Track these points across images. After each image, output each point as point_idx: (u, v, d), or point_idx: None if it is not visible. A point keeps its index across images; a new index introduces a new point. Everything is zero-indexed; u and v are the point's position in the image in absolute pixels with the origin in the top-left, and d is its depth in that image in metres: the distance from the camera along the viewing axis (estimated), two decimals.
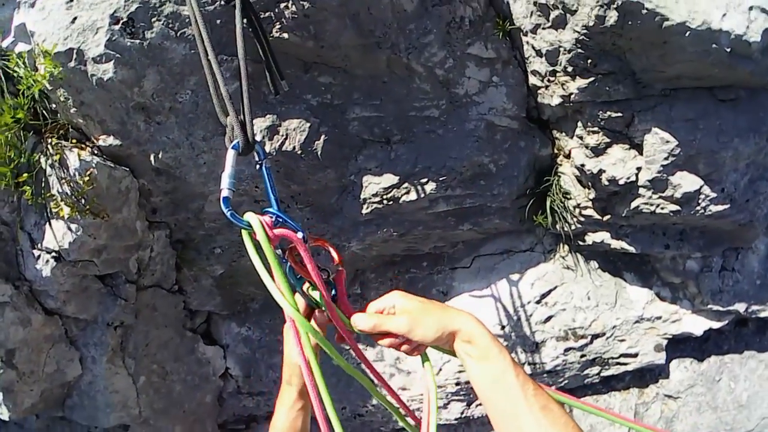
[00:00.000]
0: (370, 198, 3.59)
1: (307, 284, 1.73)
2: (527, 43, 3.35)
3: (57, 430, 3.92)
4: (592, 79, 3.18)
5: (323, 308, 1.73)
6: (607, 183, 3.53)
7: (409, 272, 4.42)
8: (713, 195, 3.41)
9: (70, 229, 3.15)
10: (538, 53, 3.31)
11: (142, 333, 3.83)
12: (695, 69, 2.99)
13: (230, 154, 1.71)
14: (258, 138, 1.91)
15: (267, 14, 2.84)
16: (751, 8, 2.74)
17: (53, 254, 3.23)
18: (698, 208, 3.47)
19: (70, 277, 3.32)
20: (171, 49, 2.87)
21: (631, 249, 3.95)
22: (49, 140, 3.08)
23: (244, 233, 1.56)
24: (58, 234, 3.17)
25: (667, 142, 3.25)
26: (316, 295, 1.71)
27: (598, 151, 3.50)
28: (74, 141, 3.16)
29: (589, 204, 3.79)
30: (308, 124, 3.23)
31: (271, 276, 1.55)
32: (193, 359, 4.23)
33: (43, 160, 3.06)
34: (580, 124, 3.48)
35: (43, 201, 3.09)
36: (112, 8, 2.75)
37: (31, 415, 3.73)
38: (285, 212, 1.66)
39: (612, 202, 3.70)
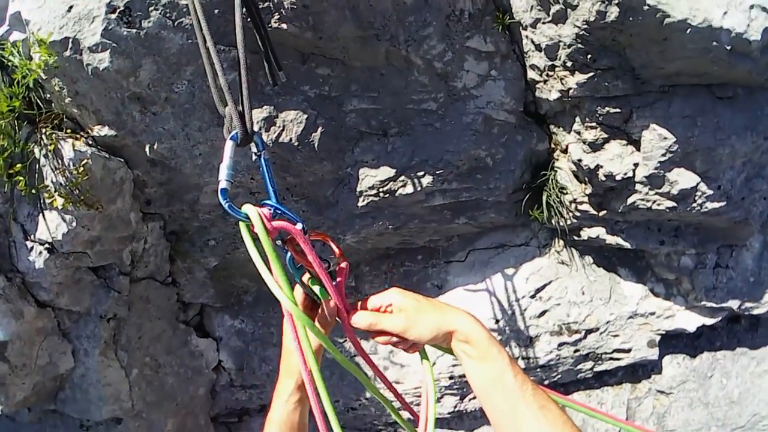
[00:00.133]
0: (366, 191, 3.58)
1: (307, 275, 1.71)
2: (526, 37, 3.34)
3: (49, 424, 3.90)
4: (591, 74, 3.18)
5: (322, 299, 1.71)
6: (603, 178, 3.53)
7: (404, 265, 4.41)
8: (710, 192, 3.42)
9: (63, 220, 3.13)
10: (538, 48, 3.30)
11: (135, 325, 3.81)
12: (695, 66, 2.99)
13: (228, 145, 1.69)
14: (255, 129, 1.89)
15: (266, 4, 2.82)
16: (751, 7, 2.75)
17: (46, 246, 3.20)
18: (694, 205, 3.48)
19: (63, 269, 3.29)
20: (168, 38, 2.84)
21: (626, 245, 3.96)
22: (44, 130, 3.05)
23: (242, 225, 1.54)
24: (51, 225, 3.14)
25: (665, 138, 3.25)
26: (316, 289, 1.70)
27: (595, 147, 3.50)
28: (69, 131, 3.13)
29: (585, 199, 3.79)
30: (305, 116, 3.21)
31: (269, 269, 1.53)
32: (186, 352, 4.21)
33: (37, 150, 3.03)
34: (578, 119, 3.48)
35: (37, 192, 3.07)
36: None
37: (23, 409, 3.70)
38: (283, 204, 1.64)
39: (608, 197, 3.70)
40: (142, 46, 2.83)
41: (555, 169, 3.85)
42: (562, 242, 4.28)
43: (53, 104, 3.15)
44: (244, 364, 4.51)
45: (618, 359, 4.47)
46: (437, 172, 3.57)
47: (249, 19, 2.56)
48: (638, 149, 3.38)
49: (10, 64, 2.93)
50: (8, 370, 3.29)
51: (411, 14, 3.10)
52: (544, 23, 3.18)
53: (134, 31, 2.78)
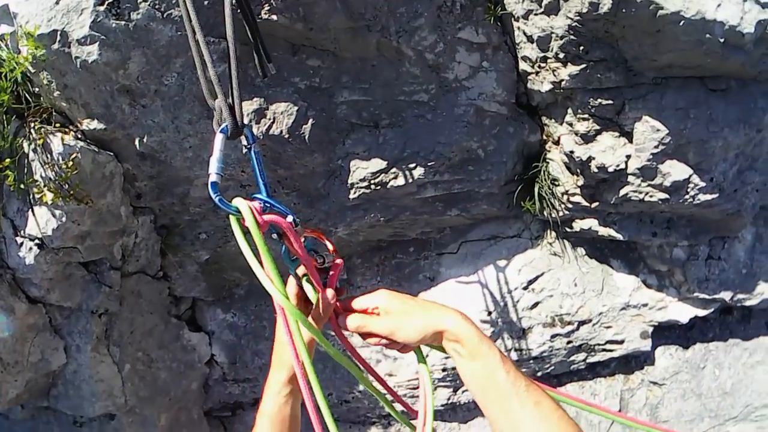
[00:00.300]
0: (357, 183, 3.57)
1: (302, 269, 1.70)
2: (518, 28, 3.33)
3: (42, 421, 3.88)
4: (583, 66, 3.17)
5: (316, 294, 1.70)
6: (596, 170, 3.53)
7: (396, 258, 4.41)
8: (702, 184, 3.42)
9: (53, 215, 3.11)
10: (530, 39, 3.29)
11: (126, 320, 3.79)
12: (688, 58, 2.99)
13: (218, 138, 1.67)
14: (246, 121, 1.88)
15: None
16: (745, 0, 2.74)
17: (36, 241, 3.18)
18: (687, 196, 3.48)
19: (53, 265, 3.27)
20: (157, 30, 2.82)
21: (619, 236, 3.96)
22: (32, 124, 3.03)
23: (233, 219, 1.53)
24: (41, 220, 3.12)
25: (658, 130, 3.25)
26: (308, 288, 1.69)
27: (587, 138, 3.50)
28: (58, 125, 3.11)
29: (578, 191, 3.78)
30: (296, 108, 3.20)
31: (260, 263, 1.52)
32: (179, 346, 4.20)
33: (25, 144, 3.00)
34: (570, 110, 3.47)
35: (26, 187, 3.04)
36: None
37: (16, 406, 3.69)
38: (273, 197, 1.63)
39: (600, 189, 3.69)
40: (131, 38, 2.81)
41: (547, 160, 3.85)
42: (554, 234, 4.28)
43: (42, 98, 3.12)
44: (236, 358, 4.50)
45: (611, 351, 4.48)
46: (429, 164, 3.56)
47: (239, 11, 2.54)
48: (631, 141, 3.38)
49: None
50: (0, 367, 3.27)
51: (402, 5, 3.08)
52: (536, 14, 3.16)
53: (123, 23, 2.76)
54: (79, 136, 3.16)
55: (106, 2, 2.71)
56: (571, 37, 3.06)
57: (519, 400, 1.43)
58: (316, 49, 3.15)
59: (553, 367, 4.52)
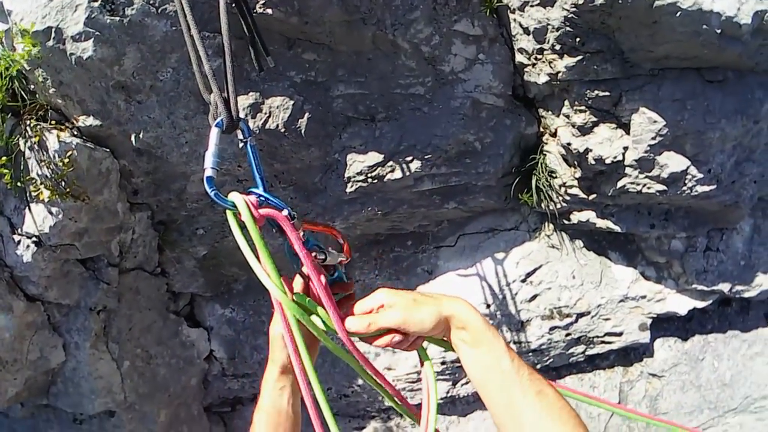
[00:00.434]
0: (354, 176, 3.56)
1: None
2: (515, 20, 3.32)
3: (42, 419, 3.89)
4: (579, 57, 3.16)
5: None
6: (593, 162, 3.53)
7: (394, 251, 4.41)
8: (700, 175, 3.42)
9: (50, 212, 3.10)
10: (526, 31, 3.28)
11: (125, 317, 3.79)
12: (684, 49, 2.98)
13: (214, 132, 1.67)
14: (241, 116, 1.88)
15: None
16: None
17: (33, 239, 3.18)
18: (684, 188, 3.48)
19: (51, 262, 3.27)
20: (152, 26, 2.82)
21: (617, 228, 3.96)
22: (28, 122, 3.02)
23: (229, 214, 1.53)
24: (38, 218, 3.12)
25: (655, 122, 3.24)
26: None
27: (584, 130, 3.49)
28: (53, 122, 3.10)
29: (575, 183, 3.78)
30: (292, 102, 3.19)
31: (257, 257, 1.52)
32: (177, 342, 4.20)
33: (21, 142, 3.00)
34: (566, 102, 3.46)
35: (23, 184, 3.04)
36: None
37: (15, 404, 3.69)
38: (269, 191, 1.62)
39: (598, 181, 3.69)
40: (126, 34, 2.80)
41: (544, 152, 3.84)
42: (552, 226, 4.28)
43: (37, 95, 3.12)
44: (235, 353, 4.50)
45: (609, 343, 4.48)
46: (426, 157, 3.55)
47: (234, 5, 2.53)
48: (628, 133, 3.37)
49: None
50: None
51: None
52: (532, 6, 3.15)
53: (117, 18, 2.75)
54: (75, 132, 3.15)
55: None
56: (568, 28, 3.06)
57: (522, 388, 1.43)
58: (312, 42, 3.14)
59: (552, 360, 4.53)
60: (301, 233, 1.63)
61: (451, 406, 4.67)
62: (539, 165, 3.84)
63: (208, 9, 2.80)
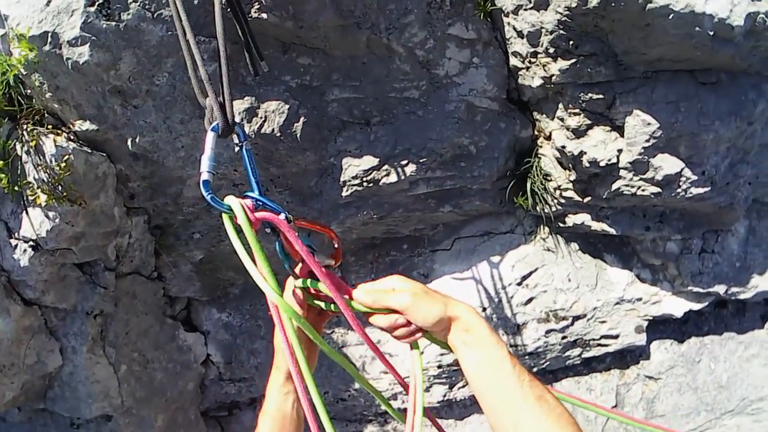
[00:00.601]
0: (349, 180, 3.57)
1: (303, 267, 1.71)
2: (508, 24, 3.33)
3: (40, 423, 3.88)
4: (573, 60, 3.17)
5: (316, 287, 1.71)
6: (587, 165, 3.54)
7: (390, 255, 4.41)
8: (694, 177, 3.43)
9: (47, 216, 3.11)
10: (520, 34, 3.30)
11: (122, 321, 3.79)
12: (677, 52, 3.00)
13: (210, 137, 1.68)
14: (237, 120, 1.89)
15: None
16: None
17: (30, 243, 3.19)
18: (679, 190, 3.49)
19: (48, 266, 3.28)
20: (148, 30, 2.83)
21: (612, 231, 3.97)
22: (25, 126, 3.03)
23: (225, 217, 1.53)
24: (35, 222, 3.12)
25: (649, 124, 3.25)
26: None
27: (579, 133, 3.50)
28: (50, 126, 3.11)
29: (570, 186, 3.79)
30: (287, 106, 3.21)
31: (253, 261, 1.53)
32: (174, 347, 4.20)
33: (18, 146, 3.01)
34: (561, 105, 3.48)
35: (20, 189, 3.05)
36: None
37: (12, 408, 3.69)
38: (265, 195, 1.63)
39: (593, 183, 3.70)
40: (122, 38, 2.81)
41: (539, 156, 3.85)
42: (547, 229, 4.29)
43: (34, 100, 3.13)
44: (232, 358, 4.50)
45: (606, 345, 4.49)
46: (421, 161, 3.56)
47: (229, 10, 2.54)
48: (622, 135, 3.39)
49: None
50: None
51: (391, 2, 3.09)
52: (525, 10, 3.17)
53: (113, 23, 2.76)
54: (72, 137, 3.16)
55: (97, 3, 2.72)
56: (561, 31, 3.07)
57: (522, 393, 1.44)
58: (307, 47, 3.15)
59: (548, 363, 4.53)
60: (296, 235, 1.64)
61: (448, 409, 4.67)
62: (534, 168, 3.85)
63: (204, 14, 2.80)
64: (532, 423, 1.42)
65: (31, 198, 3.03)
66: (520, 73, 3.51)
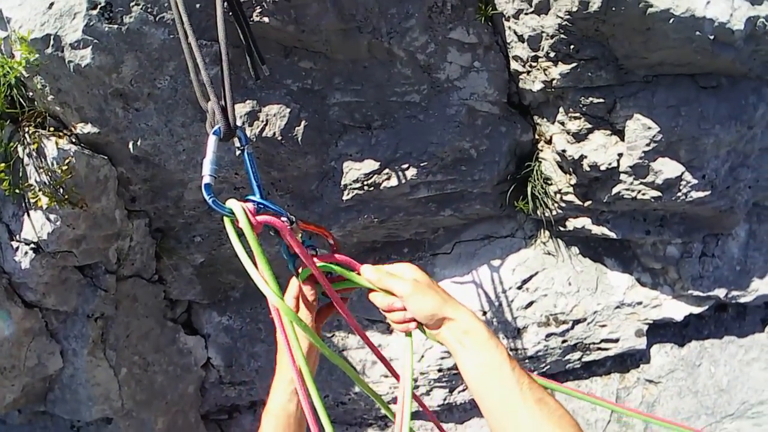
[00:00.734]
0: (350, 184, 3.58)
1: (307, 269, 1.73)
2: (509, 28, 3.34)
3: (40, 425, 3.88)
4: (574, 64, 3.18)
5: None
6: (588, 169, 3.54)
7: (390, 259, 4.41)
8: (694, 181, 3.43)
9: (48, 219, 3.11)
10: (521, 38, 3.30)
11: (122, 324, 3.79)
12: (678, 56, 3.00)
13: (211, 140, 1.68)
14: (238, 124, 1.89)
15: None
16: None
17: (32, 245, 3.19)
18: (679, 194, 3.49)
19: (49, 269, 3.28)
20: (150, 34, 2.83)
21: (612, 235, 3.97)
22: (27, 129, 3.03)
23: (227, 221, 1.54)
24: (36, 225, 3.12)
25: (649, 128, 3.26)
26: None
27: (579, 137, 3.51)
28: (52, 129, 3.11)
29: (571, 190, 3.80)
30: (288, 110, 3.21)
31: (255, 264, 1.53)
32: (175, 350, 4.20)
33: (20, 149, 3.01)
34: (561, 109, 3.48)
35: (21, 191, 3.05)
36: None
37: (12, 411, 3.69)
38: (267, 198, 1.64)
39: (593, 187, 3.71)
40: (124, 41, 2.82)
41: (539, 160, 3.86)
42: (547, 233, 4.29)
43: (36, 102, 3.13)
44: (232, 361, 4.50)
45: (606, 349, 4.49)
46: (421, 165, 3.57)
47: (230, 13, 2.55)
48: (622, 139, 3.39)
49: None
50: None
51: (393, 6, 3.09)
52: (526, 14, 3.18)
53: (116, 26, 2.77)
54: (74, 140, 3.16)
55: (99, 6, 2.72)
56: (562, 36, 3.08)
57: (522, 396, 1.44)
58: (308, 51, 3.16)
59: (548, 367, 4.53)
60: (299, 237, 1.66)
61: (448, 413, 4.67)
62: (534, 172, 3.86)
63: (205, 17, 2.81)
64: (533, 426, 1.41)
65: (32, 200, 3.04)
66: (520, 77, 3.51)
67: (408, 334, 1.71)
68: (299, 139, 3.28)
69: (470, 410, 4.65)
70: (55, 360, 3.54)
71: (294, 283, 1.79)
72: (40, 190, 3.01)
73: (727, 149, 3.44)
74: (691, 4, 2.73)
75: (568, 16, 2.96)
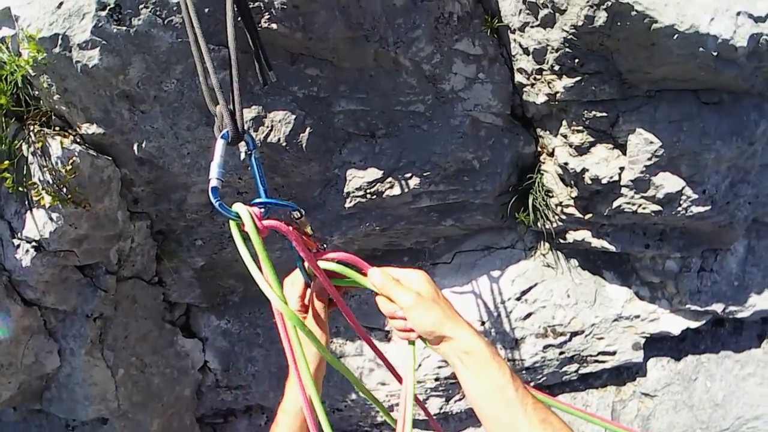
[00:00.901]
0: (353, 192, 3.59)
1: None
2: (515, 40, 3.36)
3: (35, 424, 3.87)
4: (578, 78, 3.20)
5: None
6: (589, 182, 3.55)
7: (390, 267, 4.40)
8: (695, 196, 3.44)
9: (51, 218, 3.11)
10: (526, 51, 3.32)
11: (121, 325, 3.79)
12: (681, 71, 3.02)
13: (219, 144, 1.69)
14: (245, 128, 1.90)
15: (256, 4, 2.82)
16: (738, 13, 2.78)
17: (33, 244, 3.19)
18: (679, 208, 3.50)
19: (50, 268, 3.28)
20: (158, 37, 2.84)
21: (612, 248, 3.98)
22: (32, 127, 3.04)
23: (233, 224, 1.54)
24: (39, 223, 3.13)
25: (651, 142, 3.27)
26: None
27: (581, 150, 3.52)
28: (57, 128, 3.12)
29: (571, 202, 3.81)
30: (294, 116, 3.22)
31: (260, 268, 1.54)
32: (172, 352, 4.20)
33: (24, 147, 3.01)
34: (564, 122, 3.50)
35: (25, 189, 3.05)
36: None
37: (8, 408, 3.68)
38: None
39: (594, 201, 3.72)
40: (132, 44, 2.83)
41: (541, 172, 3.87)
42: (547, 245, 4.30)
43: (41, 101, 3.13)
44: (230, 365, 4.49)
45: (603, 362, 4.49)
46: (424, 174, 3.58)
47: (239, 19, 2.56)
48: (624, 153, 3.41)
49: None
50: None
51: (400, 16, 3.11)
52: (532, 27, 3.20)
53: (124, 28, 2.78)
54: (78, 140, 3.17)
55: (108, 8, 2.74)
56: (567, 49, 3.09)
57: (526, 417, 1.43)
58: (315, 58, 3.17)
59: (545, 378, 4.53)
60: (308, 229, 1.67)
61: (444, 422, 4.67)
62: (536, 184, 3.87)
63: (214, 22, 2.82)
64: None
65: (35, 199, 3.04)
66: (524, 89, 3.53)
67: (411, 342, 1.72)
68: (303, 145, 3.29)
69: (466, 420, 4.65)
70: (53, 359, 3.54)
71: (294, 284, 1.80)
72: (43, 188, 3.01)
73: (728, 165, 3.46)
74: (695, 21, 2.75)
75: (573, 30, 2.98)
